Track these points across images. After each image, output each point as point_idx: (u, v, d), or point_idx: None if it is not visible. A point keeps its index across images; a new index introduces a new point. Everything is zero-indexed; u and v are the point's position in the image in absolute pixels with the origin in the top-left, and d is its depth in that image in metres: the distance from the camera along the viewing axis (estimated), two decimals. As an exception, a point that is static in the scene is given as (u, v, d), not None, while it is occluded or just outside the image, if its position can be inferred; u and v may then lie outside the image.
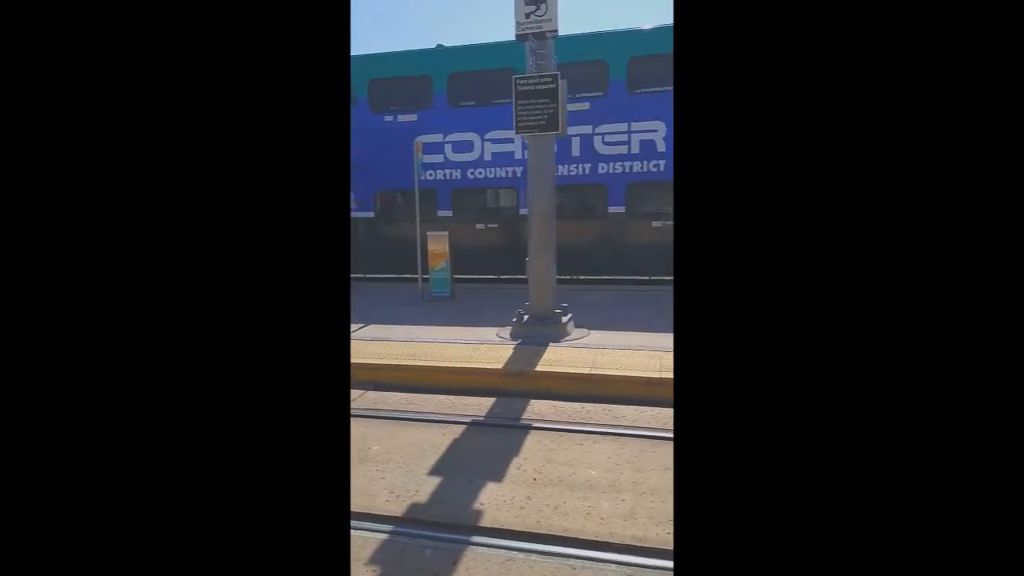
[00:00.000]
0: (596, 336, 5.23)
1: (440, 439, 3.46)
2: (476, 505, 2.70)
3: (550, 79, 5.11)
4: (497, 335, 5.38)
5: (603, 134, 8.33)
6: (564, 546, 2.36)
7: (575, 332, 5.34)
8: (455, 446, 3.40)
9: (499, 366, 4.46)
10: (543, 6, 5.09)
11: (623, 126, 8.23)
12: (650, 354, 4.58)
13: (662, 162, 8.18)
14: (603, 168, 8.38)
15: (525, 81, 5.19)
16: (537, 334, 5.21)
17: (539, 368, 4.37)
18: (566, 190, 8.30)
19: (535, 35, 5.12)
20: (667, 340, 4.98)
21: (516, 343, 5.08)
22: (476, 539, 2.43)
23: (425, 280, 7.71)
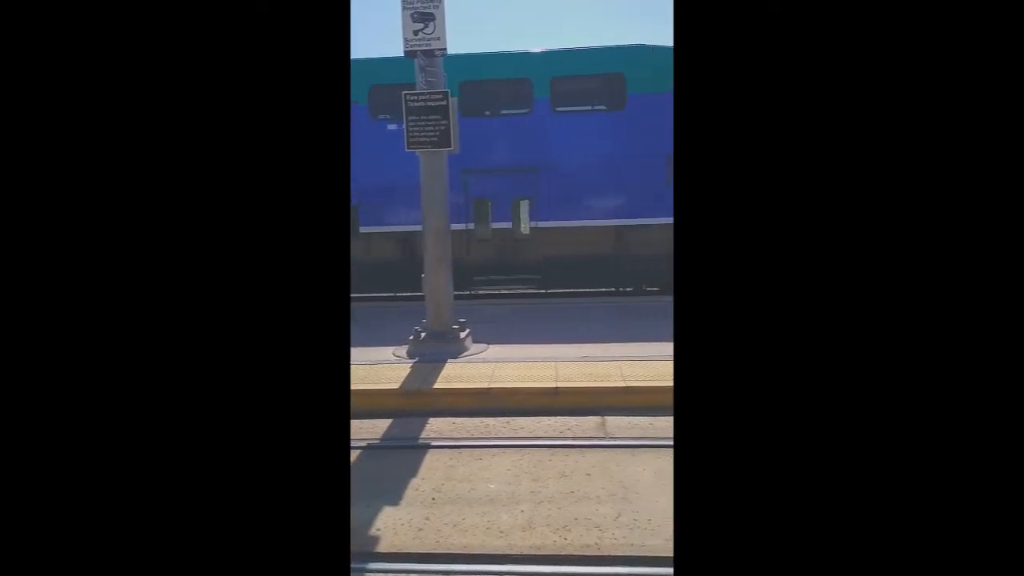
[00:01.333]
0: (494, 350, 5.28)
1: (333, 466, 3.30)
2: (373, 531, 2.60)
3: (440, 96, 5.14)
4: (394, 354, 5.26)
5: None
6: (464, 563, 2.33)
7: (473, 347, 5.35)
8: (350, 472, 3.25)
9: (395, 386, 4.35)
10: (432, 24, 5.13)
11: None
12: (547, 365, 4.70)
13: None
14: None
15: (416, 97, 5.19)
16: (435, 351, 5.16)
17: (437, 386, 4.32)
18: None
19: (424, 52, 5.14)
20: (564, 350, 5.13)
21: (413, 361, 5.00)
22: (373, 565, 2.34)
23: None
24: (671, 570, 2.25)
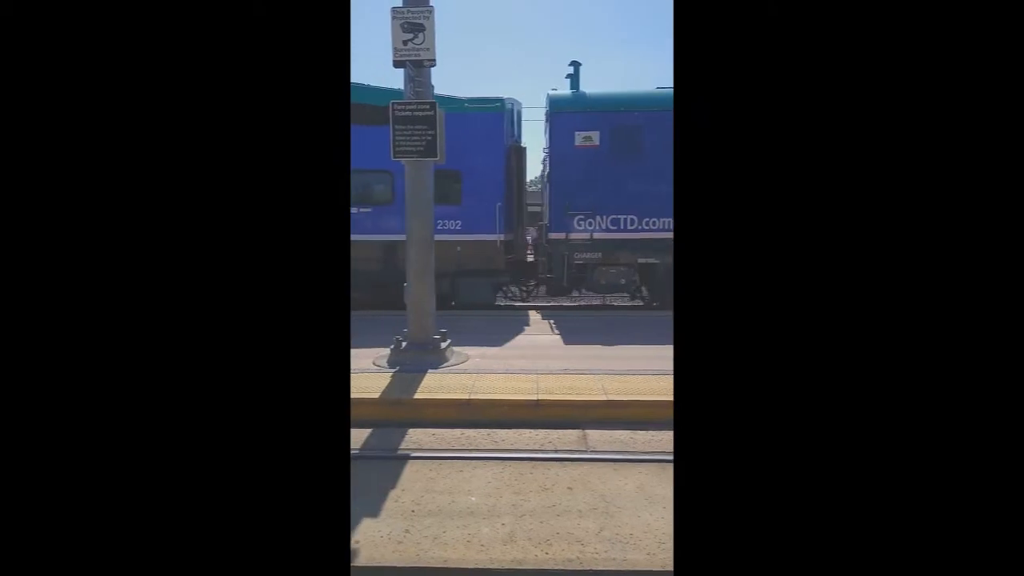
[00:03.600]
0: (476, 361, 5.25)
1: (310, 476, 3.23)
2: (351, 543, 2.54)
3: (428, 106, 5.15)
4: (374, 363, 5.19)
5: None
6: (444, 577, 2.30)
7: (454, 358, 5.32)
8: (327, 483, 3.19)
9: (375, 395, 4.30)
10: (421, 35, 5.14)
11: None
12: (528, 377, 4.68)
13: None
14: None
15: (403, 107, 5.18)
16: (416, 361, 5.11)
17: (417, 396, 4.28)
18: None
19: (413, 62, 5.15)
20: (545, 363, 5.13)
21: (394, 371, 4.94)
22: (350, 580, 2.28)
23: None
24: (653, 585, 2.25)
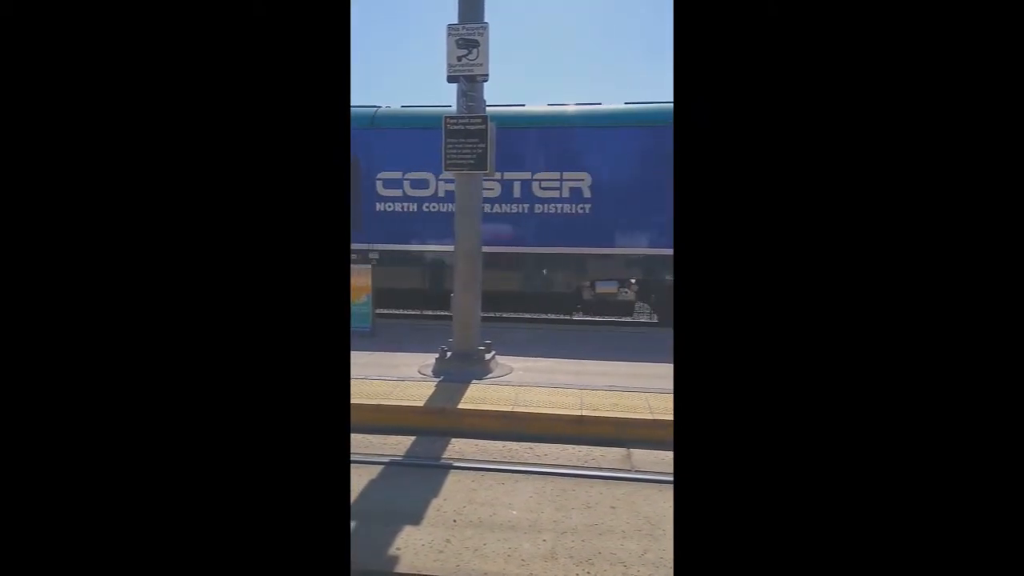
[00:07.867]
0: (519, 374, 5.24)
1: (354, 480, 3.28)
2: (392, 551, 2.56)
3: (480, 120, 5.22)
4: (419, 371, 5.26)
5: None
6: (484, 590, 2.28)
7: (498, 369, 5.33)
8: (370, 488, 3.24)
9: (420, 403, 4.34)
10: (475, 51, 5.24)
11: None
12: (572, 392, 4.64)
13: None
14: None
15: (455, 121, 5.28)
16: (460, 371, 5.15)
17: (461, 406, 4.30)
18: None
19: (466, 78, 5.25)
20: (589, 378, 5.07)
21: (438, 380, 4.99)
22: (391, 587, 2.30)
23: (345, 314, 7.44)
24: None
